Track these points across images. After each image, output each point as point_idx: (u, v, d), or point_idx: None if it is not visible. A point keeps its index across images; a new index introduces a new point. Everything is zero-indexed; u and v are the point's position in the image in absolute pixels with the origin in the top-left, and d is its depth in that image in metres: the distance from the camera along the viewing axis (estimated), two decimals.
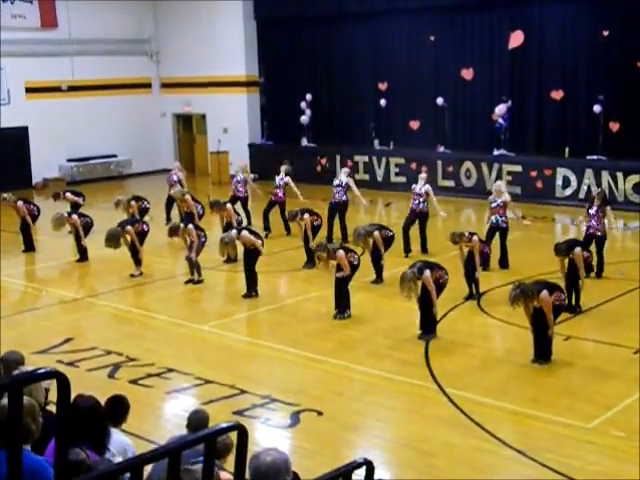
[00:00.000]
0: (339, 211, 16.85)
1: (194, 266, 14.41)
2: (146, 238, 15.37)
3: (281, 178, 17.94)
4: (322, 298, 13.14)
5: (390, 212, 21.13)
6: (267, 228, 17.65)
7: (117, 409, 5.70)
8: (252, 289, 13.57)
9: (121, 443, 5.38)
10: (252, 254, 13.52)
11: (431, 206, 15.89)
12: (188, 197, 17.41)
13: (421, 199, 15.72)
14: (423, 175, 16.35)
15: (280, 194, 17.92)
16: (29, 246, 17.22)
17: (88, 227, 16.37)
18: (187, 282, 14.49)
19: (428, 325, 11.29)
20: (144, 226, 15.45)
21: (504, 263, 14.57)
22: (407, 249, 15.56)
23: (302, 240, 15.37)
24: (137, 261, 15.08)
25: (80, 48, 26.59)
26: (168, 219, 18.65)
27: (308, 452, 8.04)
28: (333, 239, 16.65)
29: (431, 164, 22.31)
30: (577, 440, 8.26)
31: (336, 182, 17.17)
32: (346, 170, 17.88)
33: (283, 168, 18.10)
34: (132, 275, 15.01)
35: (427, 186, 15.89)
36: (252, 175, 19.99)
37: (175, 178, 18.84)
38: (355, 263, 12.35)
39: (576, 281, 12.09)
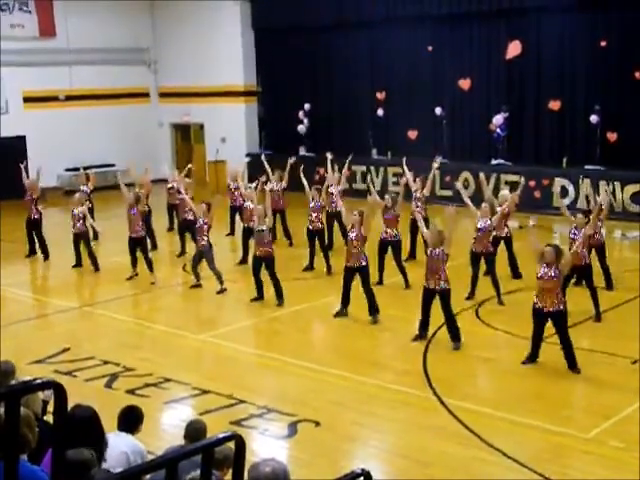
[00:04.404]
0: (337, 219, 16.79)
1: (217, 275, 14.30)
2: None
3: (279, 185, 17.88)
4: (321, 307, 13.12)
5: None
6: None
7: (129, 418, 6.10)
8: (281, 297, 13.53)
9: (133, 447, 5.70)
10: (270, 261, 13.50)
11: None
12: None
13: (419, 203, 15.83)
14: (417, 182, 16.46)
15: (279, 202, 17.85)
16: (46, 251, 17.15)
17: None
18: (218, 292, 14.32)
19: (455, 333, 11.30)
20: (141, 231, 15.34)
21: (515, 272, 14.60)
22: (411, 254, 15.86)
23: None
24: (150, 268, 15.11)
25: (78, 57, 26.59)
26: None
27: (306, 462, 8.01)
28: (333, 248, 16.62)
29: (429, 174, 22.21)
30: (576, 450, 8.25)
31: (331, 191, 17.09)
32: (336, 177, 17.71)
33: (276, 176, 18.01)
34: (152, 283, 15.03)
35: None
36: (249, 184, 19.82)
37: (175, 187, 18.79)
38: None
39: None
